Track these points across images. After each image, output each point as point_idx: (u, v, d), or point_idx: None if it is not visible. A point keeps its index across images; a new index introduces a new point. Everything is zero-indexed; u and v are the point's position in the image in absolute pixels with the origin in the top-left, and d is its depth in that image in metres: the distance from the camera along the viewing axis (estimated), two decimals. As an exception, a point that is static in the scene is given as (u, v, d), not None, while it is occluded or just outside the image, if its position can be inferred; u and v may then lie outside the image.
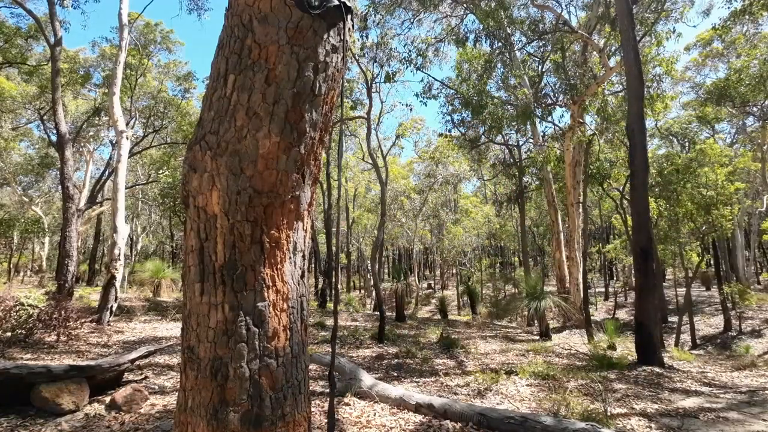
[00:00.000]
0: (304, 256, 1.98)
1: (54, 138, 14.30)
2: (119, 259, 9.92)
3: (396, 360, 7.51)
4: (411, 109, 34.29)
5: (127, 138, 11.07)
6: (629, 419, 4.48)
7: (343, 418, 4.09)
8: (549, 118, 16.13)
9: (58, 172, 16.47)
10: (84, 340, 7.84)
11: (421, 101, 22.37)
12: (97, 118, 20.74)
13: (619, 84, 15.85)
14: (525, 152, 20.52)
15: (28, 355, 6.34)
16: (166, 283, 15.86)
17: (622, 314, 21.92)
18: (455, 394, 5.35)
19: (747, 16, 13.84)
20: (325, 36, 1.73)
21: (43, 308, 7.23)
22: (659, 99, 13.94)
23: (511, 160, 20.22)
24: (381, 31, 14.39)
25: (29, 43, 17.09)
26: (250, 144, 1.71)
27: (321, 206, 23.87)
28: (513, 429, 3.72)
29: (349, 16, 1.80)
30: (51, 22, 12.23)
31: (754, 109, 21.50)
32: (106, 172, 20.39)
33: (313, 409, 4.23)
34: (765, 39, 19.98)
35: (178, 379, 2.23)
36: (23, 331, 6.99)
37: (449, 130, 16.94)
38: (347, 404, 4.45)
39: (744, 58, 19.05)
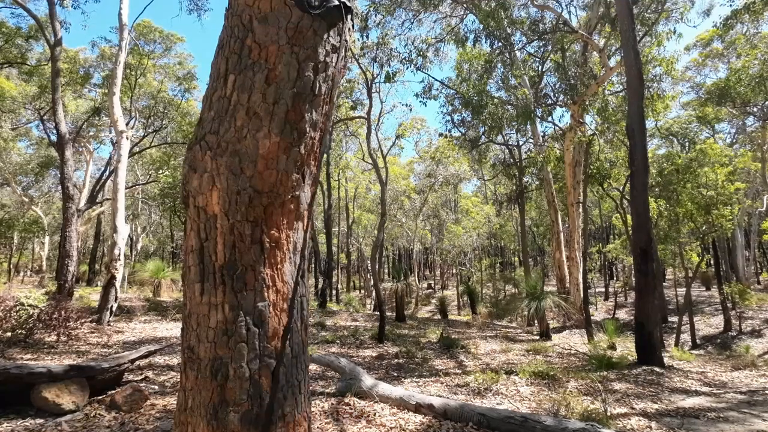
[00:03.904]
0: (303, 256, 1.98)
1: (54, 138, 14.30)
2: (119, 259, 9.91)
3: (396, 360, 7.51)
4: (411, 109, 34.35)
5: (127, 138, 11.07)
6: (629, 419, 4.48)
7: (344, 418, 4.09)
8: (549, 118, 16.13)
9: (58, 172, 16.48)
10: (84, 340, 7.84)
11: (421, 101, 22.42)
12: (97, 118, 20.74)
13: (620, 84, 15.85)
14: (525, 152, 20.52)
15: (28, 356, 6.34)
16: (166, 283, 15.86)
17: (622, 314, 21.92)
18: (455, 394, 5.35)
19: (748, 15, 13.82)
20: (325, 36, 1.73)
21: (43, 308, 7.22)
22: (659, 99, 13.94)
23: (511, 160, 20.22)
24: (381, 32, 14.39)
25: (29, 43, 17.09)
26: (250, 144, 1.71)
27: (321, 206, 23.90)
28: (513, 429, 3.71)
29: (349, 16, 1.80)
30: (51, 23, 12.23)
31: (754, 109, 21.49)
32: (106, 172, 20.40)
33: (313, 409, 4.23)
34: (765, 39, 19.98)
35: (178, 379, 2.23)
36: (23, 331, 6.99)
37: (449, 131, 16.94)
38: (347, 404, 4.45)
39: (744, 58, 19.05)
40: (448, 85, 16.62)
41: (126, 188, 12.91)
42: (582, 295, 12.83)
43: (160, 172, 22.41)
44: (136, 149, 20.35)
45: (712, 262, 26.67)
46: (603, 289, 29.66)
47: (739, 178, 18.65)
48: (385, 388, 4.75)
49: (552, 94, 16.04)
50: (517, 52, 16.20)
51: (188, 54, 22.32)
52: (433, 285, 40.01)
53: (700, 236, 17.03)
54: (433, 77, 19.78)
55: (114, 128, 11.50)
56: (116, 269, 9.78)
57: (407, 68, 14.94)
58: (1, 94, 17.74)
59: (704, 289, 26.48)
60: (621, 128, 14.51)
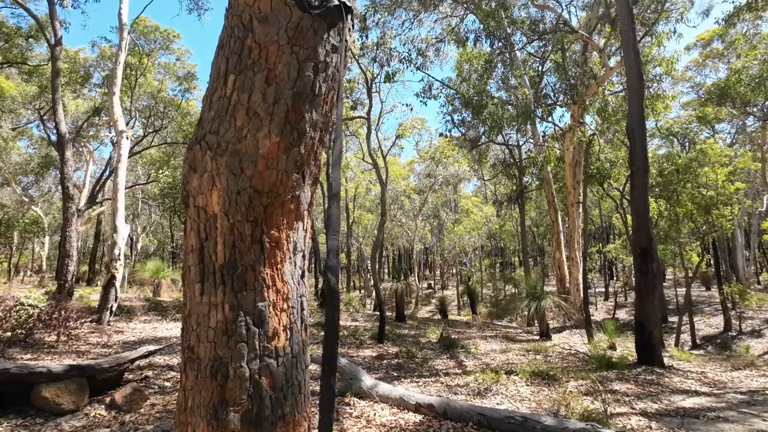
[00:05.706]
0: (304, 256, 1.98)
1: (54, 138, 14.31)
2: (119, 259, 9.91)
3: (396, 360, 7.51)
4: (411, 109, 34.26)
5: (127, 138, 11.07)
6: (629, 419, 4.48)
7: (343, 418, 4.09)
8: (549, 118, 16.13)
9: (58, 172, 16.49)
10: (84, 340, 7.84)
11: (421, 101, 22.39)
12: (97, 118, 20.74)
13: (620, 84, 15.85)
14: (525, 152, 20.52)
15: (28, 355, 6.34)
16: (166, 283, 15.88)
17: (622, 314, 21.92)
18: (455, 394, 5.35)
19: (749, 14, 13.81)
20: (326, 36, 1.72)
21: (43, 308, 7.21)
22: (660, 99, 13.94)
23: (511, 160, 20.23)
24: (381, 31, 14.39)
25: (29, 43, 17.10)
26: (250, 144, 1.70)
27: (321, 206, 23.90)
28: (513, 429, 3.72)
29: (349, 16, 1.79)
30: (51, 22, 12.23)
31: (754, 109, 21.49)
32: (106, 172, 20.39)
33: (313, 409, 4.22)
34: (765, 40, 19.98)
35: (178, 379, 2.23)
36: (23, 331, 6.98)
37: (449, 131, 16.93)
38: (347, 404, 4.45)
39: (744, 58, 19.06)
40: (449, 85, 16.61)
41: (126, 188, 12.92)
42: (582, 295, 12.82)
43: (160, 172, 22.40)
44: (136, 149, 20.34)
45: (712, 262, 26.68)
46: (603, 289, 29.66)
47: (739, 178, 18.66)
48: (385, 388, 4.75)
49: (552, 94, 16.04)
50: (517, 52, 16.20)
51: (186, 50, 22.33)
52: (433, 285, 40.00)
53: (700, 236, 17.04)
54: (433, 77, 19.81)
55: (114, 128, 11.50)
56: (116, 269, 9.78)
57: (407, 68, 14.94)
58: (1, 94, 17.73)
59: (704, 289, 26.48)
60: (621, 128, 14.52)
